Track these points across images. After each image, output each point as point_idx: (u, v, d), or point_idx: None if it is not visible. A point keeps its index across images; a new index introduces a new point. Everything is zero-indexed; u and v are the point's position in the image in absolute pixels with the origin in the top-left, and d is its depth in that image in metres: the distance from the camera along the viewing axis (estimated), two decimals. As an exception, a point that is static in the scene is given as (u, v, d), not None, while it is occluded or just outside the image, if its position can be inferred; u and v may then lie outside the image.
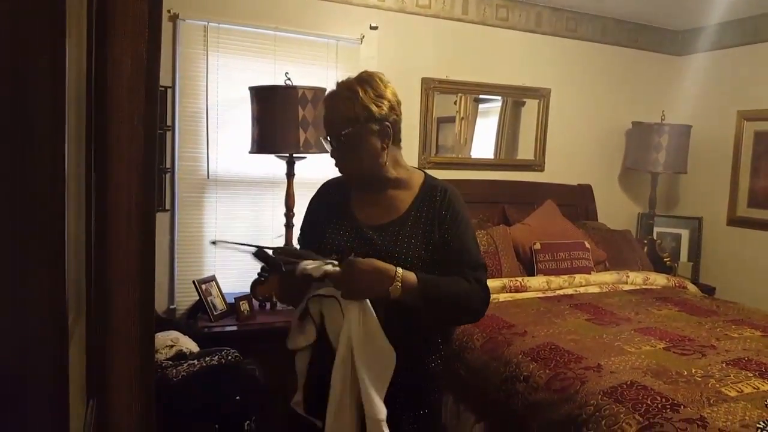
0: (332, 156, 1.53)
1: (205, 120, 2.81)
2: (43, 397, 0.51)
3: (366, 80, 1.49)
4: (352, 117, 1.47)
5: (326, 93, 1.57)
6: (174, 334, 2.39)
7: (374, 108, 1.47)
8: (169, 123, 2.75)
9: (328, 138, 1.51)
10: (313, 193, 1.69)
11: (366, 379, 1.34)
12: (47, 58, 0.56)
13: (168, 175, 2.78)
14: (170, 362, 2.20)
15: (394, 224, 1.52)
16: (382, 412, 1.34)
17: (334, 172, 1.59)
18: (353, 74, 1.52)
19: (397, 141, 1.53)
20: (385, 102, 1.49)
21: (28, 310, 0.53)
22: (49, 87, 0.58)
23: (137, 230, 1.07)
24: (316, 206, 1.67)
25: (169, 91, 2.73)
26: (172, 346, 2.32)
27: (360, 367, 1.34)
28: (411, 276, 1.40)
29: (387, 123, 1.48)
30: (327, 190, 1.67)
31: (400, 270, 1.39)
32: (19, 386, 0.50)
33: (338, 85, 1.53)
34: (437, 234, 1.50)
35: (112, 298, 1.06)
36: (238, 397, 2.15)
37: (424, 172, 1.62)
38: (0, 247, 0.51)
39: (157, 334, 2.36)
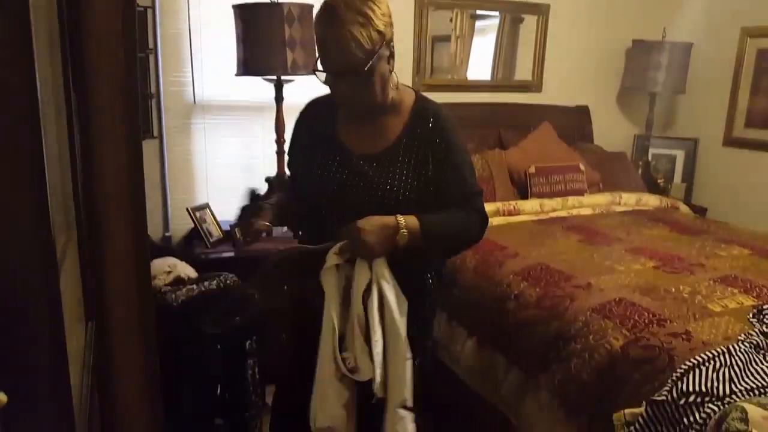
0: (340, 94, 1.37)
1: (189, 42, 2.71)
2: (38, 319, 0.51)
3: None
4: (368, 48, 1.29)
5: (321, 17, 1.31)
6: (171, 260, 2.42)
7: (384, 29, 1.31)
8: (150, 46, 2.66)
9: (332, 75, 1.33)
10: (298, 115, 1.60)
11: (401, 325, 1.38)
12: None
13: (153, 102, 2.73)
14: (169, 287, 2.23)
15: (385, 154, 1.44)
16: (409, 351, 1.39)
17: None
18: None
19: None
20: (387, 17, 1.33)
21: (11, 233, 0.53)
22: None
23: (123, 150, 1.05)
24: (303, 131, 1.57)
25: (149, 11, 2.62)
26: (170, 272, 2.35)
27: (396, 314, 1.38)
28: (413, 221, 1.38)
29: (392, 43, 1.36)
30: (312, 112, 1.56)
31: (401, 218, 1.36)
32: (12, 310, 0.50)
33: (336, 5, 1.28)
34: (431, 163, 1.43)
35: (102, 220, 1.06)
36: (238, 319, 2.21)
37: (416, 92, 1.52)
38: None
39: (155, 260, 2.38)
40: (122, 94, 1.06)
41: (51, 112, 0.82)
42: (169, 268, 2.35)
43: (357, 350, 1.37)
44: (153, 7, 2.63)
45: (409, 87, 1.53)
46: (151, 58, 2.67)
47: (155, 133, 2.75)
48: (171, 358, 1.93)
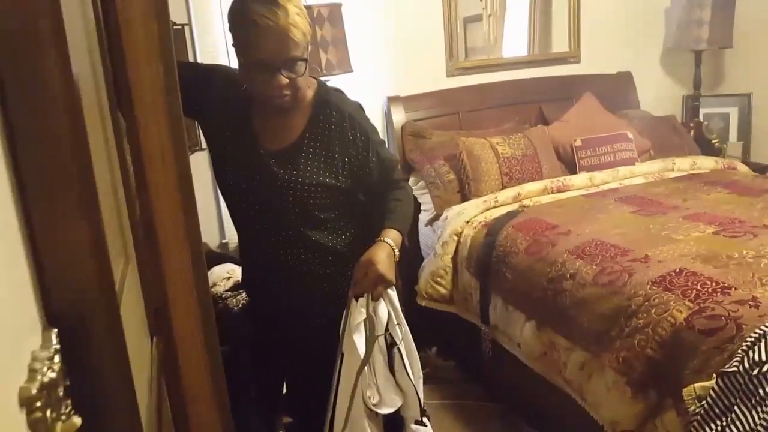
0: (278, 86, 1.38)
1: (227, 56, 2.77)
2: (103, 345, 0.54)
3: None
4: (307, 38, 1.39)
5: (256, 7, 1.32)
6: (229, 266, 2.49)
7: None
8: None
9: (272, 67, 1.35)
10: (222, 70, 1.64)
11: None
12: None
13: (199, 114, 2.80)
14: (229, 293, 2.30)
15: (290, 150, 1.48)
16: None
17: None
18: None
19: None
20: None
21: (67, 257, 0.55)
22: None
23: (172, 167, 1.08)
24: (219, 95, 1.51)
25: (186, 28, 2.69)
26: (229, 278, 2.42)
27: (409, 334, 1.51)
28: (395, 236, 1.49)
29: None
30: (228, 87, 1.52)
31: (390, 241, 1.46)
32: (78, 337, 0.53)
33: None
34: (346, 158, 1.49)
35: (159, 238, 1.09)
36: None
37: (318, 81, 1.54)
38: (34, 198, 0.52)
39: (213, 268, 2.46)
40: (168, 116, 1.08)
41: (99, 137, 0.84)
42: (228, 273, 2.42)
43: (380, 382, 1.43)
44: (189, 25, 2.70)
45: (310, 77, 1.53)
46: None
47: (204, 145, 2.82)
48: (234, 361, 2.00)
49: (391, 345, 1.44)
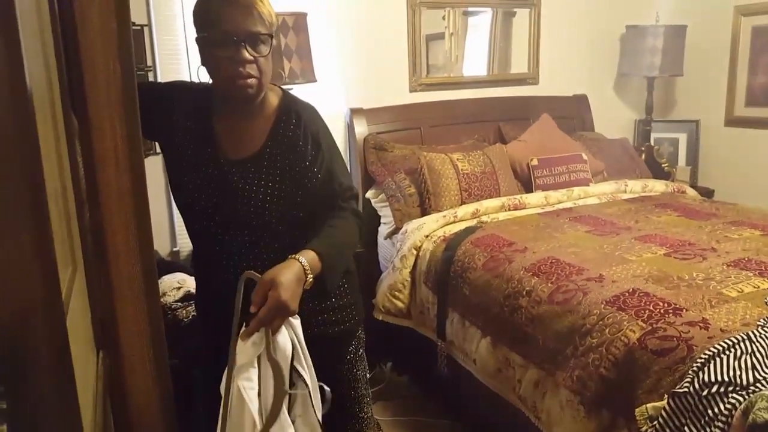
0: (241, 60, 1.30)
1: (187, 57, 2.71)
2: (43, 360, 0.50)
3: None
4: (272, 20, 1.36)
5: None
6: (180, 276, 2.41)
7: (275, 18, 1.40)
8: (149, 63, 2.65)
9: (236, 41, 1.30)
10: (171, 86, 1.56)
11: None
12: None
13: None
14: (179, 304, 2.23)
15: (253, 159, 1.41)
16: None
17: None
18: None
19: None
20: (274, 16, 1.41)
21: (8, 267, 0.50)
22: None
23: (126, 172, 1.02)
24: (175, 109, 1.44)
25: (146, 29, 2.62)
26: (179, 288, 2.34)
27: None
28: (314, 261, 1.30)
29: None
30: (186, 98, 1.47)
31: (305, 262, 1.28)
32: (16, 349, 0.49)
33: None
34: (298, 167, 1.41)
35: (108, 246, 1.03)
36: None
37: (282, 90, 1.49)
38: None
39: (163, 277, 2.38)
40: (123, 115, 1.03)
41: (50, 137, 0.79)
42: (178, 284, 2.35)
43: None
44: (149, 25, 2.63)
45: (275, 85, 1.50)
46: (150, 75, 2.67)
47: (158, 149, 2.74)
48: (184, 375, 1.92)
49: (292, 385, 1.20)
